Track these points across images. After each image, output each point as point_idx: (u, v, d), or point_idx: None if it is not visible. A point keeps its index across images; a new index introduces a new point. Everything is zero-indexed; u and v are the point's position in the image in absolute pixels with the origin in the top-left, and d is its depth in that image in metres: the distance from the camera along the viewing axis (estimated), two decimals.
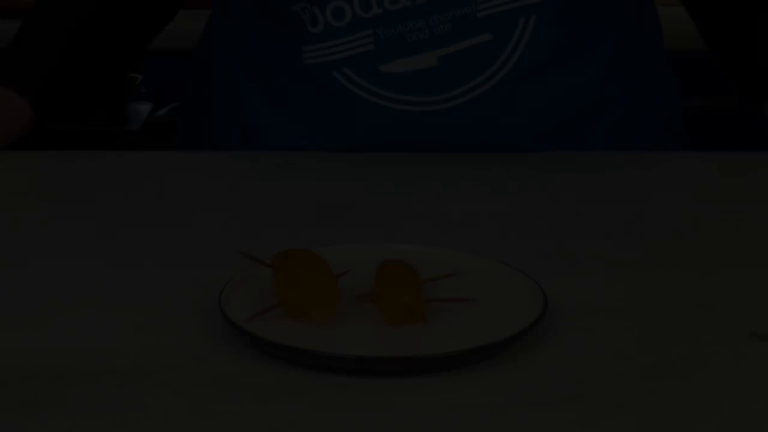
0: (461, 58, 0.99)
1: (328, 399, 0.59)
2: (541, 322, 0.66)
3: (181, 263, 0.78)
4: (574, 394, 0.60)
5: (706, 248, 0.82)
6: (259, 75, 1.06)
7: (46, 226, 0.86)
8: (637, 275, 0.77)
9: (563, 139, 1.04)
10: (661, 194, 0.97)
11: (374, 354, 0.63)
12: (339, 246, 0.78)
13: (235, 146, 1.08)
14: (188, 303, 0.71)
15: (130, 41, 1.13)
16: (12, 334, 0.67)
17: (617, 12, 1.04)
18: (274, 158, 1.04)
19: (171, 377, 0.61)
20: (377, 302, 0.68)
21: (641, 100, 1.08)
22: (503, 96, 1.00)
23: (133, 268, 0.77)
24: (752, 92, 1.07)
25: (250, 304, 0.68)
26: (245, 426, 0.57)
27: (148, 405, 0.59)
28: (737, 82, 1.09)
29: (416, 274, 0.70)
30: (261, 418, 0.57)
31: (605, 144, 1.05)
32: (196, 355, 0.64)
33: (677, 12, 1.17)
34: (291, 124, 1.05)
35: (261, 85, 1.06)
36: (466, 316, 0.68)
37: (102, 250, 0.81)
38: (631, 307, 0.72)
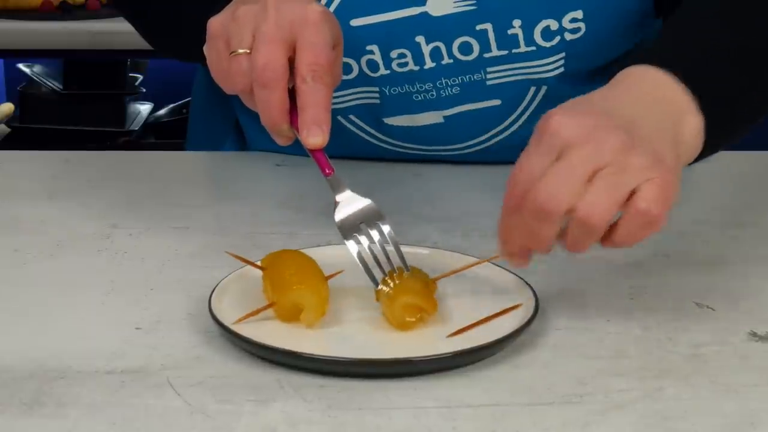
0: (467, 118, 0.97)
1: (328, 399, 0.59)
2: (535, 322, 0.66)
3: (181, 263, 0.78)
4: (574, 394, 0.60)
5: (706, 248, 0.82)
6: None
7: (46, 226, 0.86)
8: (638, 275, 0.77)
9: None
10: None
11: (375, 355, 0.63)
12: (334, 246, 0.78)
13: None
14: (188, 303, 0.71)
15: None
16: (12, 334, 0.67)
17: (625, 56, 1.00)
18: (274, 158, 1.04)
19: (171, 377, 0.61)
20: (387, 316, 0.68)
21: None
22: (509, 147, 0.98)
23: (133, 268, 0.77)
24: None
25: (240, 305, 0.68)
26: (245, 426, 0.57)
27: (148, 405, 0.59)
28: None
29: (421, 273, 0.70)
30: (261, 418, 0.57)
31: None
32: (196, 355, 0.64)
33: None
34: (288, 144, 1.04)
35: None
36: (465, 317, 0.68)
37: (102, 250, 0.81)
38: (631, 307, 0.72)
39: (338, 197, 0.73)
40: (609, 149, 0.63)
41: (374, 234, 0.72)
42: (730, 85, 0.73)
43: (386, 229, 0.72)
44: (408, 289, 0.67)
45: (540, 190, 0.63)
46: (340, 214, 0.73)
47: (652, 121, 0.67)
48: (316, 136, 0.72)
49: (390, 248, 0.71)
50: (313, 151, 0.73)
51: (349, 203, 0.73)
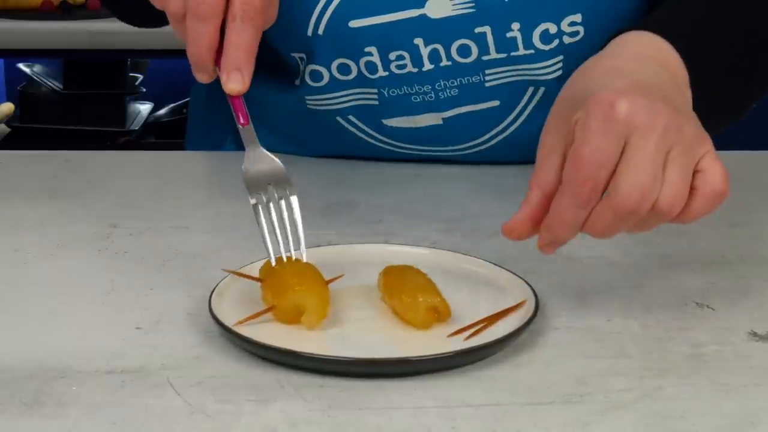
0: (466, 119, 0.97)
1: (328, 399, 0.59)
2: (535, 322, 0.67)
3: (181, 263, 0.78)
4: (574, 393, 0.60)
5: (706, 248, 0.82)
6: (254, 101, 1.05)
7: (46, 226, 0.86)
8: (638, 275, 0.77)
9: None
10: None
11: (375, 355, 0.62)
12: (334, 246, 0.78)
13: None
14: (188, 303, 0.71)
15: None
16: (12, 334, 0.67)
17: None
18: None
19: (171, 377, 0.61)
20: (399, 309, 0.67)
21: None
22: (508, 146, 0.99)
23: (133, 268, 0.77)
24: None
25: (240, 305, 0.68)
26: (245, 426, 0.57)
27: (148, 405, 0.59)
28: None
29: (423, 274, 0.70)
30: (261, 418, 0.57)
31: None
32: (196, 355, 0.64)
33: None
34: (287, 144, 1.04)
35: (256, 108, 1.05)
36: (465, 317, 0.68)
37: (102, 250, 0.81)
38: (632, 307, 0.72)
39: (249, 149, 0.73)
40: (672, 129, 0.64)
41: (279, 199, 0.72)
42: (723, 67, 0.74)
43: (293, 200, 0.72)
44: (433, 291, 0.67)
45: (626, 187, 0.63)
46: (248, 164, 0.72)
47: (674, 93, 0.68)
48: (235, 82, 0.71)
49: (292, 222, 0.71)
50: (231, 96, 0.72)
51: (261, 160, 0.72)
